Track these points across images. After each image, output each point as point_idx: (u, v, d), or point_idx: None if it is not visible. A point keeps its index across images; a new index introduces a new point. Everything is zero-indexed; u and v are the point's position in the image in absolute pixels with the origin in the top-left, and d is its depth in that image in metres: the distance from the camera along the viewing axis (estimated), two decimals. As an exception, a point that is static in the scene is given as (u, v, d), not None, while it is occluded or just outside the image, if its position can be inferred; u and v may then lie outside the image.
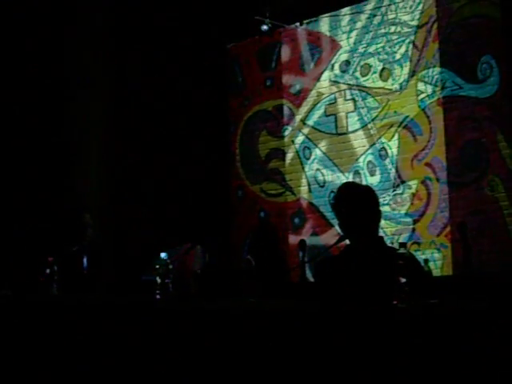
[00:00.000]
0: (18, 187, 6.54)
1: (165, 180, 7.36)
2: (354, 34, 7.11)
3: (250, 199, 7.69)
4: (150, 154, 7.36)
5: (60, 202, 6.38)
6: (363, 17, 7.05)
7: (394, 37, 6.79)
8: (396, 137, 6.70)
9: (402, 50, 6.71)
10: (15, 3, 6.65)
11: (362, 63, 7.03)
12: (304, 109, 7.47)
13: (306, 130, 7.42)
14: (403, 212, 6.56)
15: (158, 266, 3.24)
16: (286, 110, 7.63)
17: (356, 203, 2.99)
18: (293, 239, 7.31)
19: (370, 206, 3.02)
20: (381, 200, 3.26)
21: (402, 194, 6.60)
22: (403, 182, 6.59)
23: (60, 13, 6.97)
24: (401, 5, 6.76)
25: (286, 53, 7.70)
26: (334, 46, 7.29)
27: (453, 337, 2.03)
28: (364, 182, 6.61)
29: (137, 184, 7.23)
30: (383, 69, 6.86)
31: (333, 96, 7.24)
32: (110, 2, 7.25)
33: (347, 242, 3.06)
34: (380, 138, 6.81)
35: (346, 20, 7.21)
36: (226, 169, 7.88)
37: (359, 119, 7.00)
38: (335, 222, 3.07)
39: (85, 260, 4.62)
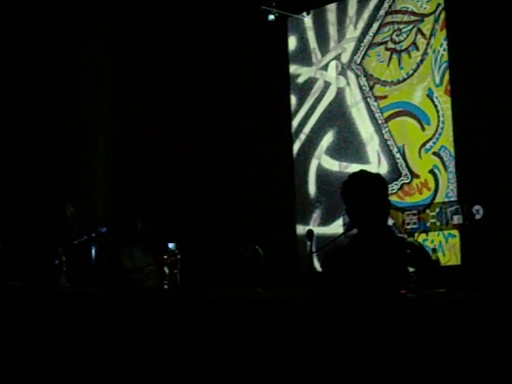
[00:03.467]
0: (23, 180, 6.56)
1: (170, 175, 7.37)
2: (360, 23, 7.09)
3: (255, 188, 7.66)
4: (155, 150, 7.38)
5: (64, 196, 6.39)
6: (370, 6, 7.02)
7: (402, 25, 6.76)
8: (404, 126, 6.68)
9: (410, 38, 6.68)
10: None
11: (369, 52, 7.00)
12: (311, 98, 7.45)
13: (313, 120, 7.41)
14: (411, 201, 6.55)
15: (166, 257, 3.24)
16: (293, 100, 7.61)
17: (366, 192, 2.97)
18: (301, 229, 7.32)
19: (379, 195, 3.00)
20: (389, 189, 3.25)
21: (409, 183, 6.59)
22: (411, 171, 6.58)
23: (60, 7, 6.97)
24: (408, -7, 6.74)
25: (292, 42, 7.68)
26: (341, 35, 7.26)
27: (461, 327, 2.02)
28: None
29: (141, 180, 7.24)
30: (390, 58, 6.83)
31: (340, 85, 7.22)
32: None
33: (355, 231, 3.04)
34: (387, 127, 6.80)
35: (353, 9, 7.18)
36: (231, 156, 7.86)
37: (366, 108, 6.98)
38: (342, 211, 3.06)
39: (93, 251, 4.62)
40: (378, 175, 3.14)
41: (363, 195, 2.97)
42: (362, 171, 3.14)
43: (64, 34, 6.96)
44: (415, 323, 1.97)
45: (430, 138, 6.46)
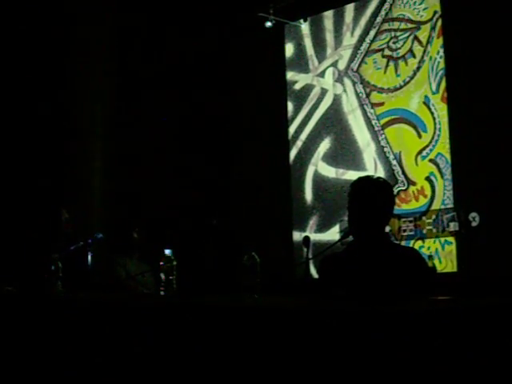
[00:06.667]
0: (19, 186, 6.56)
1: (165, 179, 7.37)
2: (357, 30, 7.11)
3: (252, 194, 7.67)
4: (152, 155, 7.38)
5: (60, 202, 6.39)
6: (367, 13, 7.04)
7: (398, 33, 6.78)
8: (400, 133, 6.69)
9: (406, 46, 6.70)
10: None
11: (365, 59, 7.02)
12: (308, 105, 7.46)
13: (309, 127, 7.42)
14: (407, 208, 6.55)
15: (162, 263, 3.24)
16: (289, 107, 7.62)
17: (365, 197, 2.93)
18: (297, 236, 7.32)
19: (379, 202, 2.94)
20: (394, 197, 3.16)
21: (406, 190, 6.60)
22: (407, 178, 6.59)
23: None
24: (405, 1, 6.75)
25: (289, 49, 7.69)
26: (338, 42, 7.28)
27: (457, 334, 2.03)
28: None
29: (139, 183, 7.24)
30: (387, 65, 6.85)
31: (337, 92, 7.24)
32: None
33: (351, 238, 3.03)
34: (384, 134, 6.81)
35: (349, 16, 7.20)
36: (228, 162, 7.87)
37: (363, 115, 6.99)
38: (339, 218, 3.05)
39: (89, 257, 4.62)
40: (384, 182, 3.06)
41: (362, 200, 2.94)
42: (368, 177, 3.09)
43: (64, 41, 6.97)
44: (412, 330, 1.97)
45: (427, 145, 6.47)
